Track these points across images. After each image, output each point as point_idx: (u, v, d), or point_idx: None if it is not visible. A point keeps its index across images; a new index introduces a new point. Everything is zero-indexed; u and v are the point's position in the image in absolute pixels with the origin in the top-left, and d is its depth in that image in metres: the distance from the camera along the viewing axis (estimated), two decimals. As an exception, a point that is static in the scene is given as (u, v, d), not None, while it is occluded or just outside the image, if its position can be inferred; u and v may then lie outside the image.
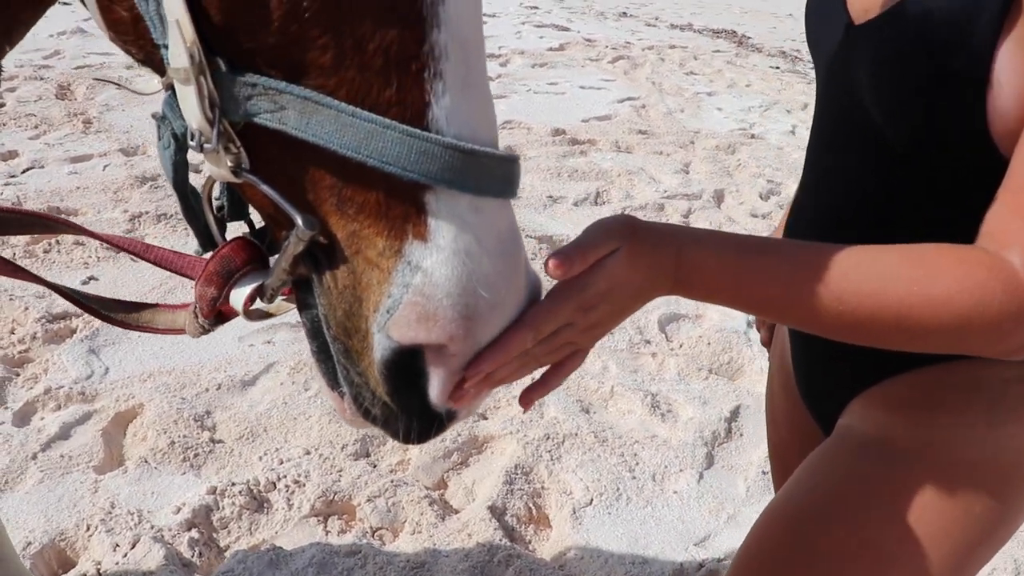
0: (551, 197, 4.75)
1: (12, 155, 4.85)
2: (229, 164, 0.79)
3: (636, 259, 0.88)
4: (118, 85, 1.43)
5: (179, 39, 0.75)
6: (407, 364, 0.80)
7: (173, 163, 0.87)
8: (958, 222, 0.95)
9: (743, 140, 6.18)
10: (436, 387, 0.82)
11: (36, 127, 5.27)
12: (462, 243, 0.76)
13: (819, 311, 0.90)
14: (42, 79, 6.14)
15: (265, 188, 0.79)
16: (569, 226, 4.40)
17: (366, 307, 0.79)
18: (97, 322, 3.26)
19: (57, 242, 3.87)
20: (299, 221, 0.77)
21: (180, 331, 1.03)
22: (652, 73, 8.04)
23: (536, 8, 11.21)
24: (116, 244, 1.07)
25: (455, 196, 0.76)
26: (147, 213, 4.17)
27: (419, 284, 0.76)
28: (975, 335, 0.88)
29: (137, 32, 0.81)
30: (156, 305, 1.09)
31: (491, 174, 0.77)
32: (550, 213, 4.58)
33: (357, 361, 0.83)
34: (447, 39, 0.75)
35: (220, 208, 0.95)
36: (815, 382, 1.27)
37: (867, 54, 1.07)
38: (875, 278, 0.89)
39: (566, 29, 9.87)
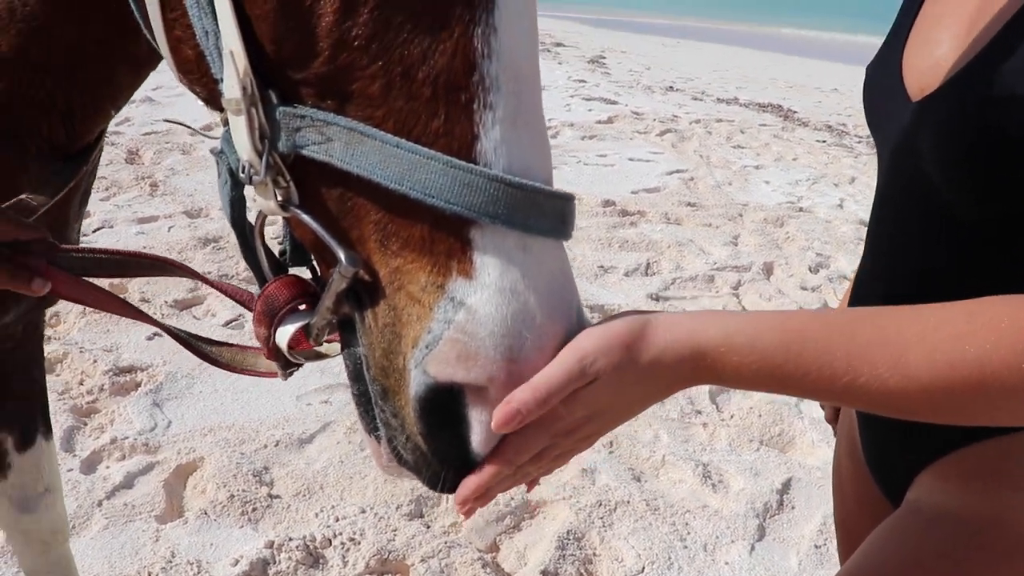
0: (602, 267, 4.82)
1: (84, 216, 5.05)
2: (278, 197, 0.80)
3: (624, 383, 0.79)
4: (180, 124, 1.49)
5: (233, 70, 0.77)
6: (443, 403, 0.76)
7: (230, 199, 0.88)
8: None
9: (791, 213, 6.22)
10: (473, 432, 0.77)
11: (107, 189, 5.49)
12: (508, 281, 0.73)
13: (884, 393, 0.79)
14: (112, 144, 6.41)
15: (311, 223, 0.79)
16: (620, 296, 4.46)
17: (405, 343, 0.77)
18: (161, 376, 3.37)
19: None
20: (342, 257, 0.76)
21: (270, 374, 1.03)
22: (700, 146, 8.15)
23: (584, 82, 11.46)
24: (220, 288, 1.15)
25: (502, 232, 0.73)
26: (209, 273, 4.31)
27: (461, 321, 0.73)
28: None
29: (200, 69, 0.85)
30: (248, 348, 1.13)
31: (541, 211, 0.74)
32: (601, 283, 4.64)
33: (393, 400, 0.80)
34: (499, 70, 0.74)
35: (283, 252, 0.95)
36: (882, 453, 1.27)
37: (930, 128, 1.08)
38: (944, 346, 0.78)
39: (614, 102, 10.07)
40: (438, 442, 0.78)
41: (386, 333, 0.78)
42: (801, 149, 8.54)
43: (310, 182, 0.78)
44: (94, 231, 4.81)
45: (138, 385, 3.32)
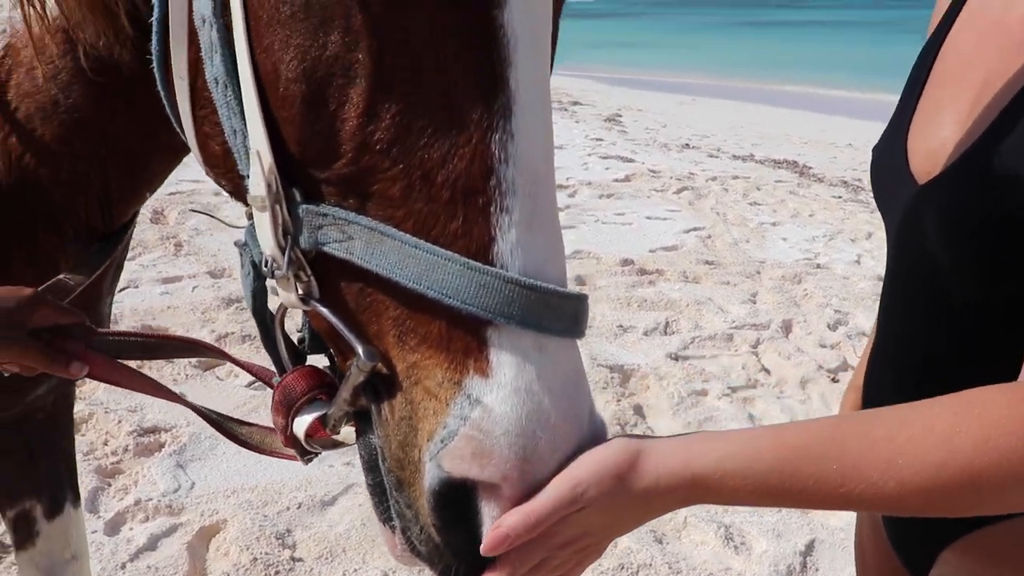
0: (621, 327, 4.84)
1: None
2: (299, 292, 0.82)
3: (616, 508, 0.80)
4: (210, 215, 1.56)
5: (259, 168, 0.80)
6: (457, 499, 0.77)
7: (252, 290, 0.91)
8: None
9: (809, 270, 6.24)
10: (485, 528, 0.78)
11: (132, 249, 5.59)
12: (524, 381, 0.74)
13: (881, 498, 0.80)
14: (138, 204, 6.54)
15: (330, 317, 0.81)
16: (639, 356, 4.47)
17: (420, 436, 0.78)
18: (185, 437, 3.40)
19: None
20: (361, 352, 0.78)
21: (294, 457, 1.04)
22: (716, 203, 8.21)
23: (601, 140, 11.60)
24: (248, 369, 1.19)
25: (518, 332, 0.75)
26: (233, 334, 4.37)
27: (477, 418, 0.75)
28: None
29: (227, 165, 0.89)
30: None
31: (556, 311, 0.76)
32: (620, 343, 4.66)
33: (407, 491, 0.82)
34: (516, 175, 0.76)
35: (301, 340, 0.97)
36: (905, 530, 1.26)
37: (935, 211, 1.11)
38: (933, 449, 0.79)
39: (631, 160, 10.18)
40: (451, 535, 0.79)
41: (402, 426, 0.80)
42: (817, 205, 8.56)
43: (331, 278, 0.81)
44: (120, 290, 4.89)
45: (162, 446, 3.36)
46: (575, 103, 15.88)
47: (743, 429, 0.86)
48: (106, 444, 3.32)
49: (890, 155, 1.25)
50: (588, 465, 0.79)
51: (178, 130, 0.96)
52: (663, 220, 7.40)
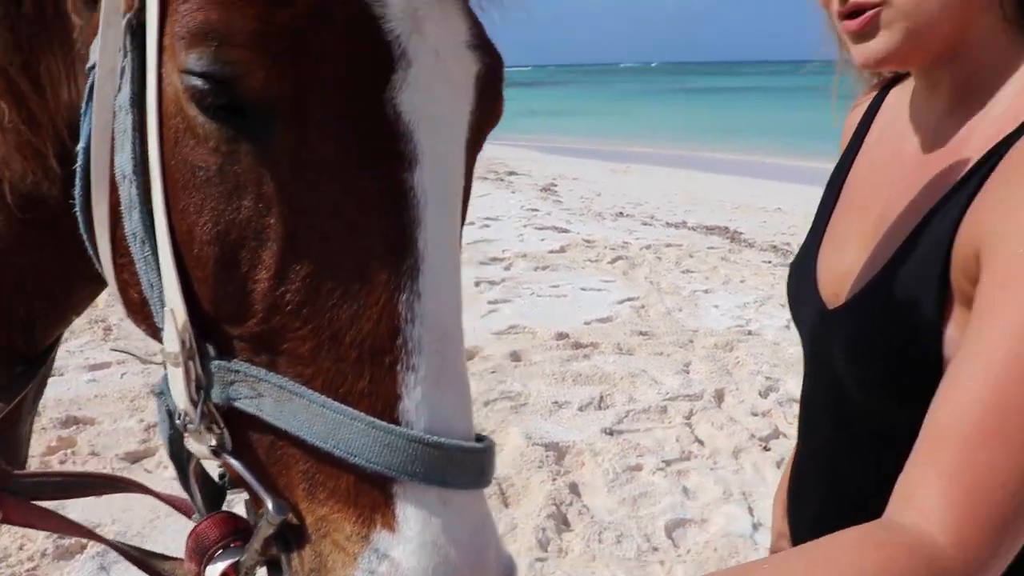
0: (556, 403, 4.87)
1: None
2: (211, 443, 0.83)
3: None
4: (129, 353, 1.54)
5: (172, 326, 0.82)
6: None
7: (168, 436, 0.91)
8: None
9: (740, 337, 6.36)
10: None
11: (58, 337, 5.47)
12: (429, 535, 0.75)
13: None
14: (66, 289, 6.43)
15: (241, 470, 0.82)
16: (574, 432, 4.49)
17: None
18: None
19: (73, 453, 3.96)
20: (270, 506, 0.79)
21: None
22: (650, 272, 8.35)
23: (537, 210, 11.78)
24: (170, 502, 1.18)
25: (423, 488, 0.76)
26: (161, 423, 4.28)
27: (384, 572, 0.75)
28: None
29: (145, 312, 0.90)
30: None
31: (460, 466, 0.77)
32: (556, 419, 4.68)
33: None
34: (422, 333, 0.78)
35: (222, 476, 0.98)
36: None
37: (842, 339, 1.18)
38: None
39: (566, 230, 10.34)
40: None
41: None
42: (748, 271, 8.77)
43: (242, 431, 0.83)
44: (44, 383, 4.77)
45: (83, 548, 3.25)
46: (511, 173, 16.13)
47: None
48: (21, 549, 3.20)
49: (803, 276, 1.33)
50: None
51: (100, 271, 0.97)
52: (597, 291, 7.50)
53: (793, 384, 5.32)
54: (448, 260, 0.82)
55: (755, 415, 4.90)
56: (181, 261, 0.82)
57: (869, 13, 1.10)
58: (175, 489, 3.50)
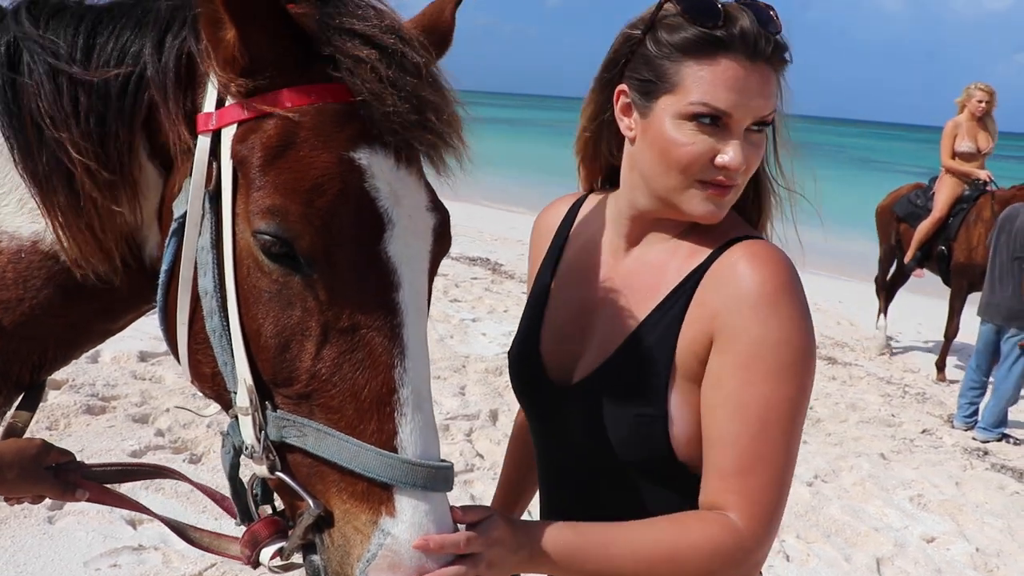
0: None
1: None
2: (267, 466, 1.21)
3: (506, 553, 1.26)
4: (196, 413, 2.01)
5: (244, 390, 1.20)
6: None
7: (231, 464, 1.29)
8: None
9: (507, 362, 7.03)
10: None
11: None
12: (417, 518, 1.15)
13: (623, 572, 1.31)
14: None
15: (291, 482, 1.19)
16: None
17: (352, 557, 1.15)
18: None
19: None
20: (311, 504, 1.17)
21: (237, 558, 1.39)
22: (423, 301, 8.85)
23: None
24: (202, 489, 1.57)
25: (412, 491, 1.14)
26: None
27: (389, 543, 1.14)
28: (722, 564, 1.31)
29: (215, 382, 1.27)
30: (232, 538, 1.45)
31: (434, 477, 1.16)
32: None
33: None
34: (408, 393, 1.17)
35: (255, 495, 1.33)
36: None
37: (579, 410, 1.50)
38: (649, 543, 1.31)
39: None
40: None
41: (340, 550, 1.18)
42: (511, 301, 9.46)
43: (289, 457, 1.21)
44: None
45: None
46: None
47: (556, 526, 1.33)
48: None
49: (527, 364, 1.64)
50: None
51: (171, 352, 1.33)
52: (377, 318, 7.90)
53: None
54: (422, 347, 1.22)
55: (525, 431, 5.59)
56: (248, 348, 1.20)
57: (731, 187, 1.42)
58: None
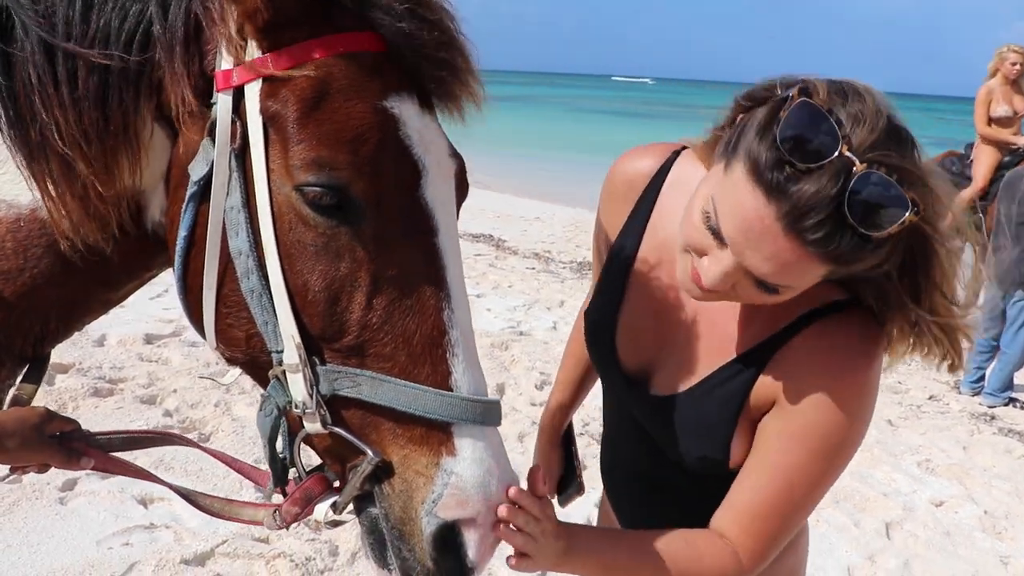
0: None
1: None
2: (320, 420, 1.20)
3: (551, 537, 1.33)
4: (216, 381, 1.84)
5: (292, 346, 1.19)
6: (446, 535, 1.18)
7: (272, 426, 1.25)
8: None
9: (513, 337, 7.07)
10: (471, 546, 1.19)
11: None
12: (478, 454, 1.18)
13: None
14: None
15: (346, 434, 1.19)
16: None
17: (416, 501, 1.18)
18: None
19: None
20: (370, 453, 1.17)
21: (259, 523, 1.38)
22: (427, 278, 8.84)
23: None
24: (213, 454, 1.55)
25: (470, 427, 1.18)
26: None
27: (455, 481, 1.16)
28: None
29: (249, 344, 1.24)
30: (244, 503, 1.46)
31: (488, 412, 1.19)
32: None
33: (409, 539, 1.19)
34: (456, 334, 1.20)
35: (288, 458, 1.30)
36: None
37: (664, 423, 1.58)
38: (669, 559, 1.44)
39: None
40: (446, 561, 1.20)
41: (401, 496, 1.20)
42: (515, 276, 9.47)
43: (341, 411, 1.21)
44: None
45: None
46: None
47: (593, 532, 1.51)
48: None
49: (600, 339, 1.69)
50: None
51: (191, 323, 1.32)
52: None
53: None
54: (462, 289, 1.25)
55: (533, 405, 5.61)
56: (293, 304, 1.19)
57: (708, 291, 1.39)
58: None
